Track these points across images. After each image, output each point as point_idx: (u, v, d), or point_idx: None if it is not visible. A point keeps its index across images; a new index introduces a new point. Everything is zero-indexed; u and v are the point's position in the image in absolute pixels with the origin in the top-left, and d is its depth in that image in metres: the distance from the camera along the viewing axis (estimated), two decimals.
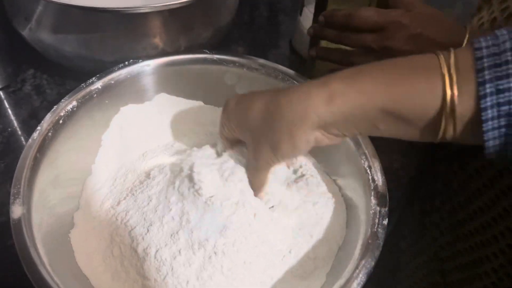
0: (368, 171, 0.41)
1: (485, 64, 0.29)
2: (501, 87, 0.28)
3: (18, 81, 0.60)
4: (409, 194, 0.56)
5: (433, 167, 0.55)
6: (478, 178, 0.45)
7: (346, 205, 0.45)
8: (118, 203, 0.44)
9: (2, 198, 0.48)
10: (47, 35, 0.52)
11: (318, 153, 0.49)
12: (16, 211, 0.36)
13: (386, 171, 0.42)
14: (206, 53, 0.50)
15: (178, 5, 0.45)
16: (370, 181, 0.41)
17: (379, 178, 0.41)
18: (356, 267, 0.36)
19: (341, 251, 0.42)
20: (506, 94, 0.28)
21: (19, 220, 0.35)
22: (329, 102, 0.33)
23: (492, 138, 0.29)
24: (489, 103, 0.29)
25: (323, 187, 0.45)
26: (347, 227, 0.43)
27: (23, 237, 0.34)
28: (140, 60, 0.48)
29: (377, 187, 0.40)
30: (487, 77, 0.29)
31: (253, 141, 0.38)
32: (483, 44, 0.29)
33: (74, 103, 0.44)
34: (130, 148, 0.49)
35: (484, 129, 0.29)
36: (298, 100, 0.34)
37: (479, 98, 0.29)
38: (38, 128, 0.41)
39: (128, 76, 0.47)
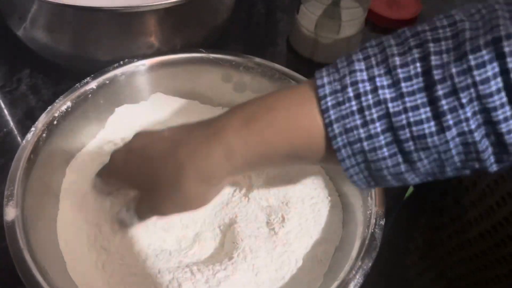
0: None
1: (329, 104, 0.28)
2: (348, 126, 0.28)
3: (13, 81, 0.59)
4: (414, 207, 0.55)
5: (442, 181, 0.55)
6: (491, 195, 0.45)
7: (342, 205, 0.44)
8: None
9: None
10: (41, 34, 0.52)
11: None
12: (10, 213, 0.35)
13: None
14: (202, 52, 0.49)
15: (173, 4, 0.45)
16: None
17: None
18: (353, 268, 0.36)
19: (338, 252, 0.41)
20: (355, 132, 0.28)
21: (12, 222, 0.35)
22: (231, 158, 0.32)
23: (355, 173, 0.30)
24: (340, 143, 0.29)
25: (319, 186, 0.45)
26: (343, 227, 0.43)
27: (17, 240, 0.34)
28: (135, 60, 0.48)
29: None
30: (332, 117, 0.28)
31: (143, 193, 0.37)
32: (326, 80, 0.29)
33: (69, 103, 0.43)
34: None
35: (344, 167, 0.30)
36: (201, 160, 0.33)
37: (330, 139, 0.29)
38: (32, 129, 0.41)
39: (123, 75, 0.47)
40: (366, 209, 0.39)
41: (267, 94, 0.33)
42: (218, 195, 0.36)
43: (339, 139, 0.29)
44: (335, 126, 0.28)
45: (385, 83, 0.27)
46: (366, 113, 0.28)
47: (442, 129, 0.26)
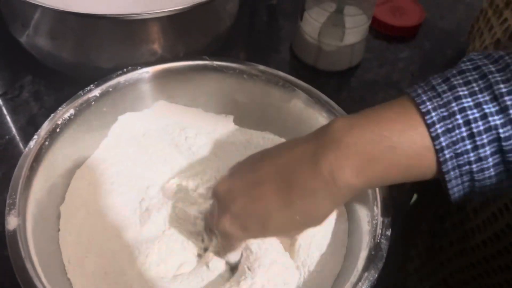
0: None
1: (439, 131, 0.30)
2: (458, 151, 0.30)
3: (16, 88, 0.59)
4: (416, 213, 0.55)
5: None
6: (494, 202, 0.45)
7: (348, 215, 0.44)
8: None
9: None
10: (44, 41, 0.51)
11: None
12: (12, 222, 0.35)
13: None
14: (206, 59, 0.49)
15: (177, 11, 0.45)
16: (373, 190, 0.40)
17: (382, 187, 0.40)
18: (359, 279, 0.35)
19: (344, 262, 0.41)
20: (465, 156, 0.30)
21: (14, 231, 0.35)
22: (350, 194, 0.34)
23: (457, 191, 0.32)
24: (450, 167, 0.30)
25: None
26: (349, 237, 0.42)
27: (18, 249, 0.34)
28: (138, 67, 0.47)
29: (380, 196, 0.39)
30: (444, 143, 0.30)
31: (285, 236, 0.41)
32: (429, 106, 0.30)
33: (72, 111, 0.43)
34: (128, 157, 0.48)
35: (449, 187, 0.31)
36: (318, 197, 0.33)
37: (440, 163, 0.30)
38: (35, 136, 0.41)
39: (127, 83, 0.47)
40: (372, 218, 0.38)
41: (374, 126, 0.32)
42: None
43: (449, 163, 0.30)
44: (446, 152, 0.30)
45: (493, 110, 0.29)
46: (477, 138, 0.29)
47: None
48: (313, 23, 0.60)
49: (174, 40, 0.51)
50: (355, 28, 0.60)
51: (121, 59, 0.50)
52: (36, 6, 0.46)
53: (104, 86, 0.45)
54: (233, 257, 0.40)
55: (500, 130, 0.29)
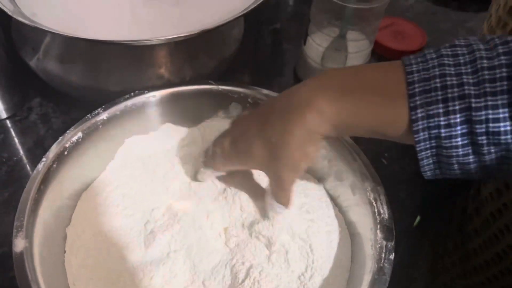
0: (374, 203, 0.41)
1: (416, 90, 0.31)
2: (431, 112, 0.31)
3: (24, 110, 0.60)
4: (419, 235, 0.55)
5: (447, 209, 0.55)
6: (494, 223, 0.45)
7: (351, 239, 0.44)
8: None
9: (4, 228, 0.48)
10: (53, 65, 0.53)
11: (324, 185, 0.49)
12: (19, 244, 0.35)
13: (391, 200, 0.42)
14: (211, 84, 0.50)
15: (184, 37, 0.46)
16: (376, 214, 0.40)
17: (385, 211, 0.40)
18: None
19: (347, 286, 0.41)
20: (436, 119, 0.31)
21: (21, 253, 0.35)
22: (322, 124, 0.36)
23: (425, 156, 0.33)
24: (420, 126, 0.32)
25: (329, 219, 0.45)
26: (352, 261, 0.42)
27: (25, 272, 0.34)
28: (145, 91, 0.48)
29: (383, 220, 0.40)
30: (418, 102, 0.31)
31: (269, 171, 0.41)
32: (414, 68, 0.32)
33: (80, 134, 0.44)
34: (134, 180, 0.49)
35: (418, 149, 0.32)
36: (297, 128, 0.37)
37: (412, 121, 0.32)
38: (43, 159, 0.41)
39: (134, 107, 0.47)
40: (375, 243, 0.39)
41: (357, 69, 0.37)
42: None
43: (420, 122, 0.31)
44: (418, 110, 0.31)
45: (471, 81, 0.30)
46: (450, 103, 0.31)
47: None
48: (316, 47, 0.62)
49: (181, 65, 0.52)
50: (357, 52, 0.61)
51: (129, 83, 0.51)
52: (46, 32, 0.47)
53: (111, 110, 0.46)
54: (216, 173, 0.47)
55: (473, 100, 0.30)
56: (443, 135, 0.31)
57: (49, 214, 0.40)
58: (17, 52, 0.56)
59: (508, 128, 0.29)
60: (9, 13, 0.47)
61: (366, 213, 0.42)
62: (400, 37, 0.72)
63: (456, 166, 0.32)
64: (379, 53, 0.71)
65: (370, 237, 0.40)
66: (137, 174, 0.49)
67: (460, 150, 0.31)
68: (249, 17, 0.54)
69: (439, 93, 0.31)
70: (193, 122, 0.52)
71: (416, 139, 0.32)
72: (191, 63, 0.53)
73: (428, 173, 0.34)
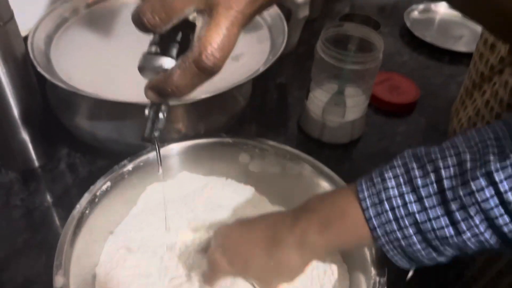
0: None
1: (371, 213, 0.38)
2: (387, 229, 0.37)
3: (54, 160, 0.66)
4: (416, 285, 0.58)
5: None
6: (490, 269, 0.50)
7: (349, 274, 0.49)
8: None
9: (38, 269, 0.53)
10: (84, 122, 0.59)
11: None
12: (59, 281, 0.40)
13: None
14: (223, 136, 0.56)
15: (200, 99, 0.52)
16: (371, 250, 0.45)
17: (378, 249, 0.45)
18: None
19: None
20: (393, 234, 0.37)
21: None
22: (313, 252, 0.43)
23: (399, 259, 0.39)
24: (384, 241, 0.38)
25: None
26: None
27: None
28: (165, 144, 0.54)
29: (376, 258, 0.44)
30: (375, 223, 0.38)
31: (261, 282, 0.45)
32: (366, 193, 0.38)
33: (108, 183, 0.50)
34: (154, 222, 0.54)
35: (389, 255, 0.39)
36: (291, 250, 0.42)
37: (375, 238, 0.38)
38: (78, 206, 0.47)
39: (155, 158, 0.53)
40: (369, 279, 0.43)
41: (325, 198, 0.43)
42: None
43: (382, 239, 0.38)
44: (378, 230, 0.38)
45: (412, 198, 0.36)
46: (400, 221, 0.36)
47: (459, 233, 0.34)
48: (317, 102, 0.68)
49: (196, 120, 0.58)
50: (355, 107, 0.67)
51: None
52: (79, 95, 0.54)
53: (136, 161, 0.52)
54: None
55: (417, 216, 0.36)
56: (404, 244, 0.37)
57: (82, 255, 0.45)
58: (51, 108, 0.63)
59: (452, 232, 0.35)
60: (50, 78, 0.54)
61: (362, 252, 0.46)
62: (395, 91, 0.78)
63: (426, 260, 0.38)
64: (376, 106, 0.76)
65: (365, 273, 0.44)
66: (156, 218, 0.54)
67: (423, 252, 0.37)
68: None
69: (390, 214, 0.37)
70: (206, 170, 0.57)
71: (384, 250, 0.39)
72: (205, 118, 0.59)
73: (407, 266, 0.40)
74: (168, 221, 0.55)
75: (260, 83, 0.74)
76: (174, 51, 0.33)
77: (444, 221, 0.35)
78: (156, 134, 0.39)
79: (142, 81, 0.59)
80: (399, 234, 0.37)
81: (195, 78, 0.32)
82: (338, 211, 0.40)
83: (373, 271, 0.44)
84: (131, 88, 0.58)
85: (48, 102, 0.63)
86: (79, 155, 0.67)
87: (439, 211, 0.35)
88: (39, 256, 0.55)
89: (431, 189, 0.35)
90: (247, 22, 0.32)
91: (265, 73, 0.58)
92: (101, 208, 0.49)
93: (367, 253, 0.45)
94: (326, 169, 0.53)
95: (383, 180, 0.38)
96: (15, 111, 0.58)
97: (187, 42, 0.33)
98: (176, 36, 0.33)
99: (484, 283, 0.53)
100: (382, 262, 0.44)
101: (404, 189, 0.36)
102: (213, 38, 0.31)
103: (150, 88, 0.35)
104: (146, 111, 0.37)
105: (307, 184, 0.54)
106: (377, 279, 0.43)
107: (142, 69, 0.33)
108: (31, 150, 0.63)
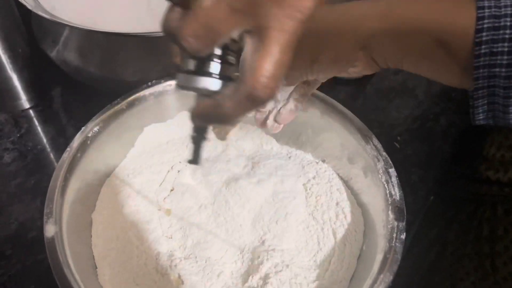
0: (386, 185, 0.42)
1: (485, 26, 0.30)
2: (494, 49, 0.30)
3: (46, 100, 0.62)
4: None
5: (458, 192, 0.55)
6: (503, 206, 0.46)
7: (364, 219, 0.46)
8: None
9: (32, 214, 0.51)
10: (73, 57, 0.54)
11: (337, 168, 0.50)
12: (50, 230, 0.38)
13: (403, 183, 0.43)
14: None
15: None
16: (388, 195, 0.42)
17: (396, 193, 0.42)
18: (375, 282, 0.37)
19: (360, 265, 0.43)
20: (499, 57, 0.30)
21: (52, 238, 0.37)
22: (383, 18, 0.33)
23: (481, 97, 0.31)
24: (481, 63, 0.30)
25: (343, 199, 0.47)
26: (364, 242, 0.44)
27: (57, 255, 0.36)
28: (162, 80, 0.50)
29: (394, 202, 0.41)
30: (484, 38, 0.30)
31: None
32: (486, 3, 0.30)
33: (101, 123, 0.46)
34: (152, 165, 0.51)
35: (475, 86, 0.31)
36: (348, 10, 0.34)
37: (474, 56, 0.30)
38: (68, 149, 0.43)
39: (151, 96, 0.49)
40: (387, 223, 0.40)
41: None
42: None
43: (482, 59, 0.30)
44: (483, 46, 0.30)
45: None
46: None
47: None
48: None
49: None
50: None
51: (145, 73, 0.52)
52: (65, 25, 0.49)
53: (130, 99, 0.48)
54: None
55: None
56: (503, 74, 0.30)
57: (75, 201, 0.42)
58: (38, 44, 0.58)
59: None
60: (30, 7, 0.48)
61: (377, 195, 0.43)
62: None
63: (511, 109, 0.31)
64: None
65: (382, 218, 0.41)
66: (156, 159, 0.51)
67: None
68: None
69: (507, 31, 0.30)
70: None
71: (475, 76, 0.31)
72: None
73: (481, 116, 0.33)
74: (169, 162, 0.51)
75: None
76: (215, 68, 0.30)
77: None
78: (203, 157, 0.36)
79: (136, 10, 0.53)
80: (505, 59, 0.30)
81: (247, 108, 0.29)
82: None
83: (390, 215, 0.40)
84: (123, 18, 0.53)
85: (35, 37, 0.58)
86: (73, 95, 0.63)
87: None
88: (33, 201, 0.52)
89: None
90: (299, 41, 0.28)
91: None
92: (95, 150, 0.45)
93: (384, 194, 0.42)
94: (339, 106, 0.48)
95: None
96: None
97: (226, 56, 0.30)
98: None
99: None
100: (401, 205, 0.41)
101: None
102: (266, 69, 0.27)
103: (197, 115, 0.32)
104: (192, 134, 0.35)
105: (318, 122, 0.50)
106: (395, 223, 0.39)
107: (182, 88, 0.31)
108: (19, 89, 0.59)
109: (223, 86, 0.29)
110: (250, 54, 0.27)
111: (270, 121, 0.44)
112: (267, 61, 0.27)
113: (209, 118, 0.31)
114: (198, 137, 0.34)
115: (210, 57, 0.29)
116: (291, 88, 0.42)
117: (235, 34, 0.27)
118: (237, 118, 0.30)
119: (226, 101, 0.29)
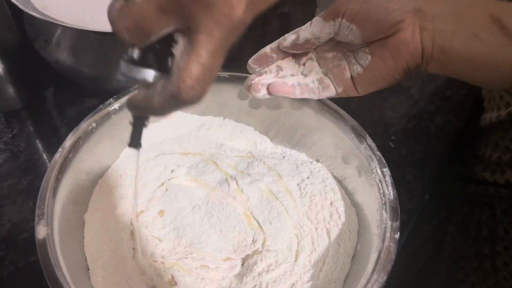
0: (379, 185, 0.42)
1: None
2: None
3: (39, 100, 0.62)
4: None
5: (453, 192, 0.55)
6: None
7: (358, 218, 0.45)
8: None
9: (25, 215, 0.50)
10: (65, 56, 0.54)
11: (331, 168, 0.50)
12: (41, 231, 0.37)
13: (398, 183, 0.43)
14: (219, 70, 0.51)
15: None
16: (382, 195, 0.42)
17: (390, 192, 0.41)
18: (369, 281, 0.37)
19: (354, 265, 0.42)
20: None
21: (43, 240, 0.37)
22: None
23: None
24: None
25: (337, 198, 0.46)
26: (358, 241, 0.44)
27: (48, 257, 0.36)
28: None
29: (388, 201, 0.41)
30: None
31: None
32: None
33: (93, 124, 0.45)
34: (145, 165, 0.51)
35: None
36: None
37: None
38: (60, 149, 0.43)
39: None
40: (381, 223, 0.40)
41: None
42: None
43: None
44: None
45: None
46: None
47: None
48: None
49: None
50: None
51: None
52: (57, 25, 0.49)
53: (123, 99, 0.47)
54: None
55: None
56: None
57: (67, 202, 0.42)
58: (31, 44, 0.57)
59: None
60: (21, 7, 0.48)
61: (371, 194, 0.43)
62: None
63: None
64: None
65: (376, 217, 0.41)
66: (149, 158, 0.50)
67: None
68: None
69: None
70: (202, 109, 0.53)
71: None
72: None
73: None
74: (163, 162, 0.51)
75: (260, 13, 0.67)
76: (155, 60, 0.30)
77: None
78: (143, 143, 0.37)
79: None
80: None
81: (174, 107, 0.30)
82: None
83: (384, 215, 0.40)
84: None
85: (27, 36, 0.58)
86: (66, 95, 0.63)
87: None
88: (27, 201, 0.51)
89: None
90: (230, 47, 0.29)
91: None
92: (87, 151, 0.45)
93: (378, 194, 0.42)
94: (333, 105, 0.48)
95: None
96: None
97: (168, 49, 0.29)
98: (155, 44, 0.29)
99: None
100: (395, 205, 0.40)
101: None
102: (192, 72, 0.27)
103: (131, 106, 0.33)
104: (130, 120, 0.36)
105: (312, 122, 0.49)
106: (390, 223, 0.39)
107: (123, 76, 0.31)
108: (11, 89, 0.58)
109: (159, 78, 0.29)
110: (180, 54, 0.27)
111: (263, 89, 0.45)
112: (194, 64, 0.27)
113: (140, 109, 0.32)
114: (138, 123, 0.35)
115: (151, 48, 0.29)
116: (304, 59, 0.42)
117: (167, 32, 0.27)
118: (165, 113, 0.30)
119: (155, 96, 0.29)
